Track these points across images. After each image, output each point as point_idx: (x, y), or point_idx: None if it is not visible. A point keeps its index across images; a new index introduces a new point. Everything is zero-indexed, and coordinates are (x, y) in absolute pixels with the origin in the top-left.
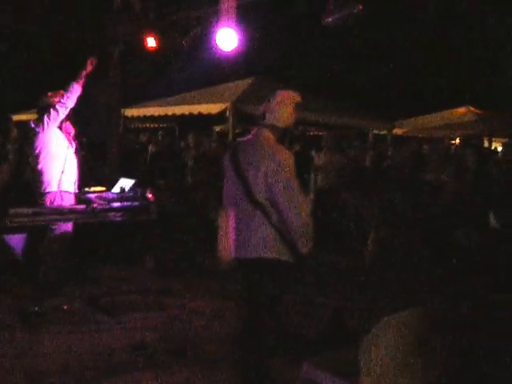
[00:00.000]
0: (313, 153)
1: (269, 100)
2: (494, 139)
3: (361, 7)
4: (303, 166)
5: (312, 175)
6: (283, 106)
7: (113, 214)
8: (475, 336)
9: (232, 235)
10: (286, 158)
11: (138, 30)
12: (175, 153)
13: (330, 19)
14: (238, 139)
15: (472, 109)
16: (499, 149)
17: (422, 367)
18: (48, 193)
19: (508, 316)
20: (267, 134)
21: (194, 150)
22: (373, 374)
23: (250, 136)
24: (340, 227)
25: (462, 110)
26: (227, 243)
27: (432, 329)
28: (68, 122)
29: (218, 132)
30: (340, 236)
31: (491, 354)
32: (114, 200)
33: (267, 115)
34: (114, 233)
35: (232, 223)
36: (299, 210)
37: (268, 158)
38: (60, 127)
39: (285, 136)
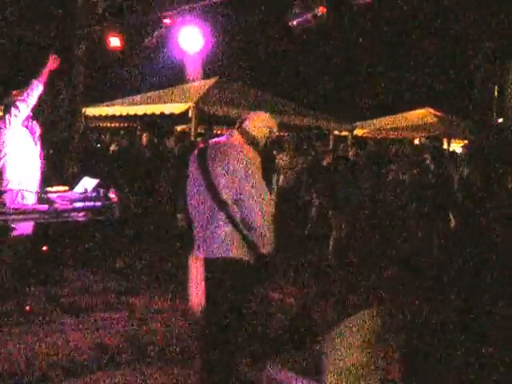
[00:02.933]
0: (275, 153)
1: (253, 112)
2: (452, 141)
3: (323, 10)
4: (266, 167)
5: (274, 176)
6: (262, 124)
7: (75, 214)
8: (427, 332)
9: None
10: (255, 159)
11: (102, 29)
12: (137, 152)
13: (295, 22)
14: (210, 141)
15: (431, 111)
16: (458, 150)
17: (382, 364)
18: (9, 191)
19: (456, 314)
20: (239, 137)
21: (152, 150)
22: (336, 371)
23: (221, 138)
24: (302, 227)
25: (421, 111)
26: (198, 292)
27: (389, 327)
28: (34, 122)
29: (180, 132)
30: (302, 235)
31: (443, 350)
32: (76, 200)
33: (246, 122)
34: (77, 233)
35: (196, 224)
36: (263, 210)
37: (237, 159)
38: (27, 126)
39: (256, 144)
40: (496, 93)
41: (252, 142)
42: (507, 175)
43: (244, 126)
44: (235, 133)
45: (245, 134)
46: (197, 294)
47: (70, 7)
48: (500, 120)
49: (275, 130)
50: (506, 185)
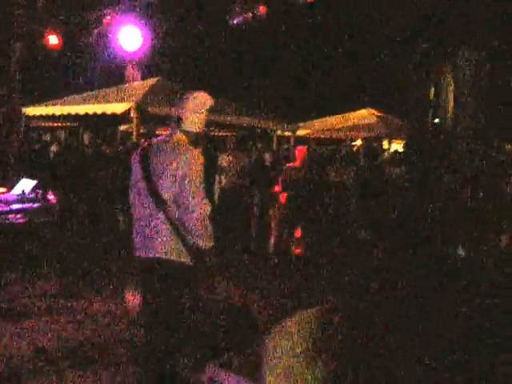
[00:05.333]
0: (218, 153)
1: (183, 103)
2: (393, 141)
3: (263, 9)
4: (208, 167)
5: (216, 176)
6: (198, 112)
7: (13, 216)
8: (369, 330)
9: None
10: (197, 159)
11: (40, 27)
12: (78, 152)
13: (235, 21)
14: (151, 140)
15: (373, 111)
16: (399, 150)
17: (322, 362)
18: None
19: (401, 311)
20: (181, 136)
21: (93, 150)
22: (277, 371)
23: (162, 137)
24: (244, 226)
25: (363, 112)
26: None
27: (330, 325)
28: None
29: (122, 132)
30: (244, 235)
31: (386, 348)
32: (14, 202)
33: (183, 119)
34: (15, 235)
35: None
36: (201, 211)
37: (179, 158)
38: None
39: (197, 139)
40: (432, 94)
41: (194, 139)
42: (442, 173)
43: (182, 125)
44: (176, 132)
45: (185, 133)
46: (133, 297)
47: (7, 4)
48: (436, 120)
49: (212, 104)
50: (442, 181)
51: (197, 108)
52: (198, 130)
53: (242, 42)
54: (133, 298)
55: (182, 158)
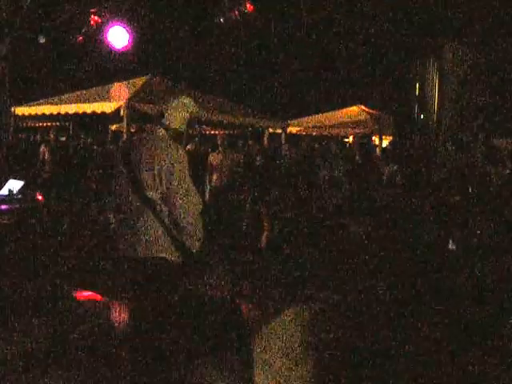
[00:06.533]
0: (208, 152)
1: (168, 101)
2: (384, 137)
3: (251, 7)
4: (198, 165)
5: (207, 174)
6: (181, 111)
7: (0, 216)
8: (358, 328)
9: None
10: (180, 156)
11: (28, 26)
12: (68, 152)
13: (222, 18)
14: (133, 137)
15: (363, 108)
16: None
17: (313, 359)
18: None
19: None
20: (162, 132)
21: (83, 149)
22: (266, 368)
23: (144, 134)
24: (234, 225)
25: (353, 109)
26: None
27: (319, 323)
28: None
29: (113, 131)
30: (234, 234)
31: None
32: (1, 202)
33: (165, 116)
34: (2, 235)
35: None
36: (190, 209)
37: (162, 156)
38: None
39: (180, 136)
40: (417, 90)
41: (175, 135)
42: (430, 168)
43: (164, 120)
44: (157, 128)
45: (167, 129)
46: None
47: None
48: (421, 116)
49: (195, 110)
50: (429, 175)
51: (180, 107)
52: (179, 127)
53: (232, 40)
54: (119, 315)
55: (164, 155)
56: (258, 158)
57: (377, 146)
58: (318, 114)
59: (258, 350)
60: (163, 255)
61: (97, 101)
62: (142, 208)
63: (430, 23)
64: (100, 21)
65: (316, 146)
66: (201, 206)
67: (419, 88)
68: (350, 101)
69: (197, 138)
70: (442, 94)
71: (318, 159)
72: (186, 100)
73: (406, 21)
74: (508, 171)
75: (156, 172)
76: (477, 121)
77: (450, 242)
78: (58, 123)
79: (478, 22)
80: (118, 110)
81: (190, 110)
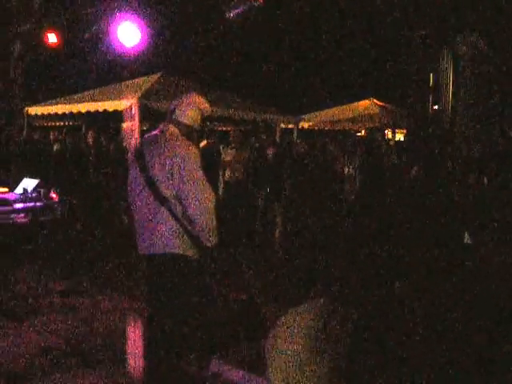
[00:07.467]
0: (221, 148)
1: (180, 98)
2: (397, 131)
3: (261, 0)
4: (212, 162)
5: (221, 171)
6: (193, 107)
7: (15, 215)
8: (374, 322)
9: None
10: (192, 152)
11: (39, 25)
12: (81, 151)
13: (232, 14)
14: (145, 136)
15: (375, 101)
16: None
17: (328, 356)
18: None
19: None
20: (173, 129)
21: (95, 148)
22: (280, 364)
23: (156, 131)
24: (248, 221)
25: (365, 102)
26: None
27: (334, 317)
28: None
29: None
30: (248, 230)
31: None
32: (16, 201)
33: (176, 112)
34: (18, 234)
35: (136, 221)
36: (204, 205)
37: (174, 153)
38: None
39: (192, 133)
40: (432, 80)
41: (187, 132)
42: (446, 159)
43: (175, 116)
44: (169, 126)
45: (178, 125)
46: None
47: (4, 3)
48: (436, 107)
49: (207, 109)
50: (445, 168)
51: (191, 104)
52: (191, 123)
53: (243, 35)
54: (134, 363)
55: (176, 153)
56: (271, 154)
57: (390, 139)
58: (329, 108)
59: (272, 345)
60: (180, 252)
61: (109, 99)
62: (156, 206)
63: (444, 13)
64: (110, 18)
65: (327, 140)
66: (215, 202)
67: (433, 78)
68: (363, 94)
69: (210, 135)
70: (456, 84)
71: (330, 155)
72: (198, 97)
73: (419, 11)
74: None
75: (168, 169)
76: (492, 112)
77: (466, 235)
78: (70, 122)
79: (492, 11)
80: (130, 108)
81: (201, 107)
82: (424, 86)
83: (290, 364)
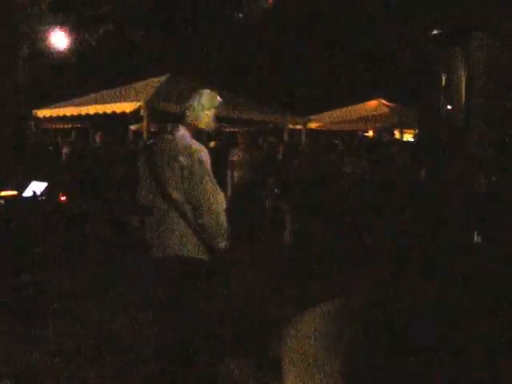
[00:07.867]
0: (229, 149)
1: (189, 98)
2: (405, 131)
3: (271, 1)
4: (220, 163)
5: (228, 172)
6: (204, 108)
7: (26, 218)
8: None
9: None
10: (201, 154)
11: (46, 27)
12: (89, 153)
13: (242, 14)
14: (154, 137)
15: (384, 101)
16: (410, 140)
17: (341, 356)
18: None
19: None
20: (183, 131)
21: (104, 150)
22: (295, 364)
23: (165, 133)
24: (257, 222)
25: (373, 103)
26: None
27: (352, 318)
28: None
29: (133, 131)
30: (257, 231)
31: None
32: (25, 204)
33: (186, 114)
34: (28, 237)
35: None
36: (213, 207)
37: (183, 155)
38: None
39: (201, 134)
40: (444, 80)
41: (198, 134)
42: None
43: (184, 118)
44: (180, 127)
45: (189, 126)
46: None
47: (11, 4)
48: (448, 107)
49: (219, 104)
50: (455, 168)
51: (203, 104)
52: (203, 126)
53: (251, 36)
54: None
55: (185, 153)
56: (279, 155)
57: (398, 140)
58: (337, 108)
59: (285, 346)
60: (190, 254)
61: (116, 101)
62: (166, 208)
63: (457, 12)
64: (119, 19)
65: (336, 142)
66: (224, 204)
67: (446, 79)
68: (371, 94)
69: (218, 136)
70: (469, 85)
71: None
72: (207, 98)
73: (432, 9)
74: None
75: (177, 171)
76: (505, 113)
77: (476, 234)
78: (78, 125)
79: (505, 11)
80: (137, 110)
81: (211, 107)
82: (436, 86)
83: (304, 365)
